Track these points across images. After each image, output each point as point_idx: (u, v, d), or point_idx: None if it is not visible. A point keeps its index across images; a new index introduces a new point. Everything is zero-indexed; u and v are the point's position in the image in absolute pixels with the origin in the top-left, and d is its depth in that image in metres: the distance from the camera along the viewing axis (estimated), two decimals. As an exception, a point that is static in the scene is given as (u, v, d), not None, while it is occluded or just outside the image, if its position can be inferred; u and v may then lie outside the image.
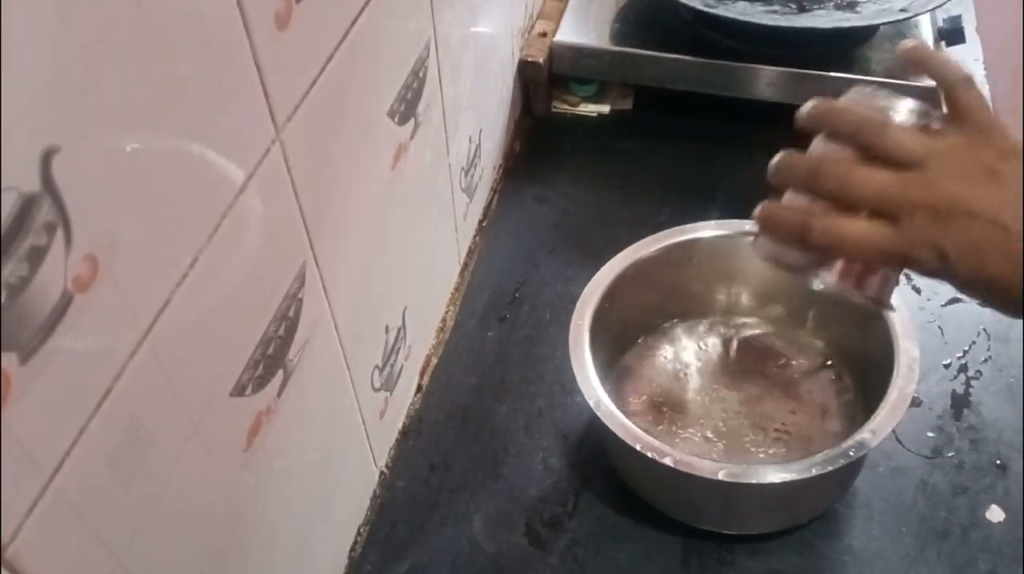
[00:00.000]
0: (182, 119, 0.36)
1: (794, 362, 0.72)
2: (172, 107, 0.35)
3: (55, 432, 0.32)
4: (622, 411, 0.61)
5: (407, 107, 0.62)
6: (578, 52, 0.95)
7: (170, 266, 0.37)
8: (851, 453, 0.57)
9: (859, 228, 0.45)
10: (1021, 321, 0.77)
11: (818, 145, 0.48)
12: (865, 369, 0.69)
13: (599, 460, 0.69)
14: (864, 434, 0.58)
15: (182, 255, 0.38)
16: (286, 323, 0.48)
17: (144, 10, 0.33)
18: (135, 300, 0.35)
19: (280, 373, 0.49)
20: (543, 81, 0.96)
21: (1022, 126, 1.73)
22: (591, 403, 0.60)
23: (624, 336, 0.73)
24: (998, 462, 0.68)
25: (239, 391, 0.45)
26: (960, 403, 0.72)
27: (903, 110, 0.47)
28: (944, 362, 0.75)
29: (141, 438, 0.37)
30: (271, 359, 0.47)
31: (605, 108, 1.00)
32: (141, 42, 0.33)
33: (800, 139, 0.52)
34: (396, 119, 0.60)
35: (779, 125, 0.95)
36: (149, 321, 0.36)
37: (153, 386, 0.37)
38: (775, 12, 0.90)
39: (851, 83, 0.87)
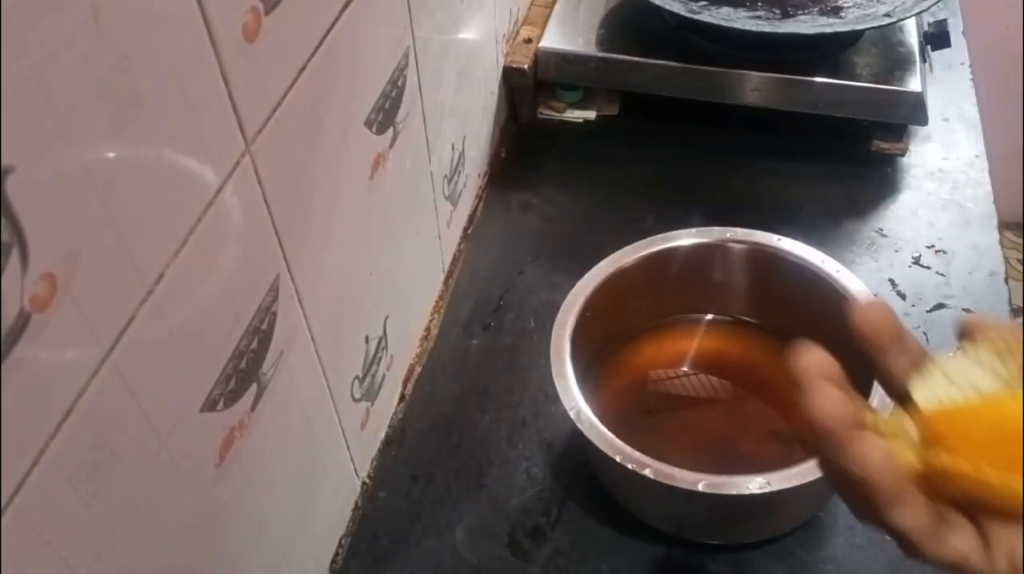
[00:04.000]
0: (144, 135, 0.36)
1: (777, 368, 0.72)
2: (133, 123, 0.35)
3: (14, 453, 0.32)
4: (606, 419, 0.61)
5: (385, 116, 0.61)
6: (563, 58, 0.95)
7: (134, 283, 0.37)
8: (833, 462, 0.57)
9: None
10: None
11: None
12: (849, 375, 0.68)
13: (582, 470, 0.69)
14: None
15: (147, 271, 0.38)
16: (259, 336, 0.48)
17: (102, 25, 0.32)
18: (97, 318, 0.35)
19: (254, 387, 0.49)
20: (528, 87, 0.96)
21: (1022, 126, 1.72)
22: (571, 414, 0.60)
23: (607, 344, 0.73)
24: (983, 469, 0.68)
25: (210, 406, 0.44)
26: (945, 410, 0.72)
27: None
28: (929, 368, 0.75)
29: (106, 457, 0.37)
30: (244, 373, 0.47)
31: (591, 114, 1.00)
32: (99, 58, 0.33)
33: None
34: (374, 128, 0.60)
35: (764, 130, 0.96)
36: (112, 339, 0.36)
37: (118, 404, 0.37)
38: (759, 18, 0.90)
39: (836, 88, 0.88)
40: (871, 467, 0.33)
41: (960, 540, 0.33)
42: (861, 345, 0.38)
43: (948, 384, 0.34)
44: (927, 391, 0.34)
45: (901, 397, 0.36)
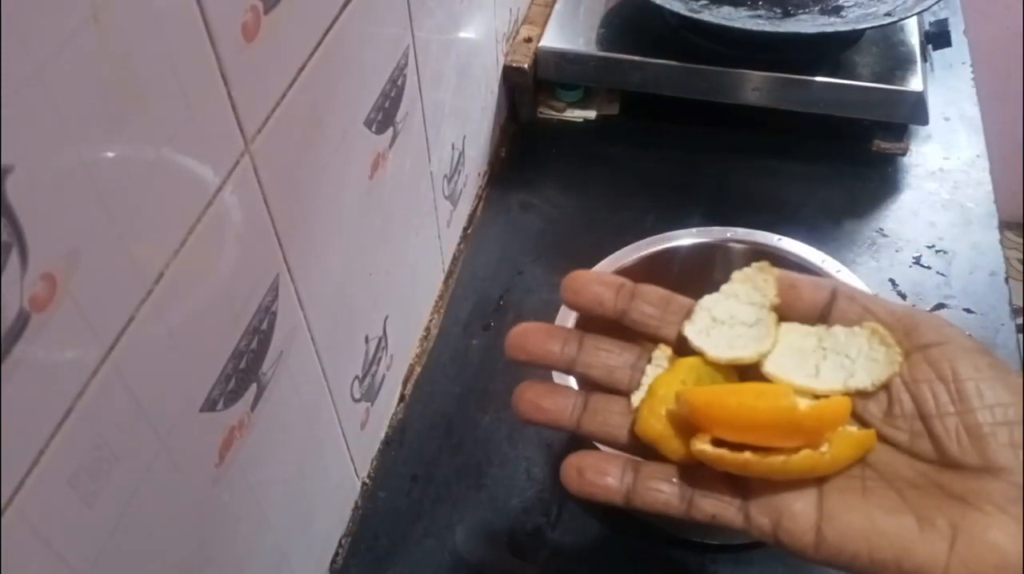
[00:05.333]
0: (144, 134, 0.36)
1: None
2: (133, 122, 0.35)
3: (14, 453, 0.32)
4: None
5: (385, 116, 0.61)
6: (563, 57, 0.95)
7: (134, 282, 0.37)
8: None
9: None
10: (1007, 327, 0.77)
11: None
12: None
13: (582, 469, 0.69)
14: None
15: (147, 271, 0.38)
16: (259, 336, 0.48)
17: (102, 25, 0.32)
18: (97, 318, 0.35)
19: (254, 387, 0.48)
20: (528, 87, 0.96)
21: (1022, 126, 1.73)
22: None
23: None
24: (983, 469, 0.68)
25: (210, 406, 0.44)
26: (945, 410, 0.72)
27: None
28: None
29: (106, 457, 0.37)
30: (243, 373, 0.47)
31: (591, 114, 1.00)
32: (99, 58, 0.32)
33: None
34: (373, 128, 0.60)
35: (765, 130, 0.96)
36: (112, 338, 0.36)
37: (118, 404, 0.37)
38: (759, 17, 0.90)
39: (836, 88, 0.88)
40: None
41: (710, 504, 0.35)
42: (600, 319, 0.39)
43: (712, 322, 0.38)
44: (697, 332, 0.38)
45: (675, 344, 0.39)
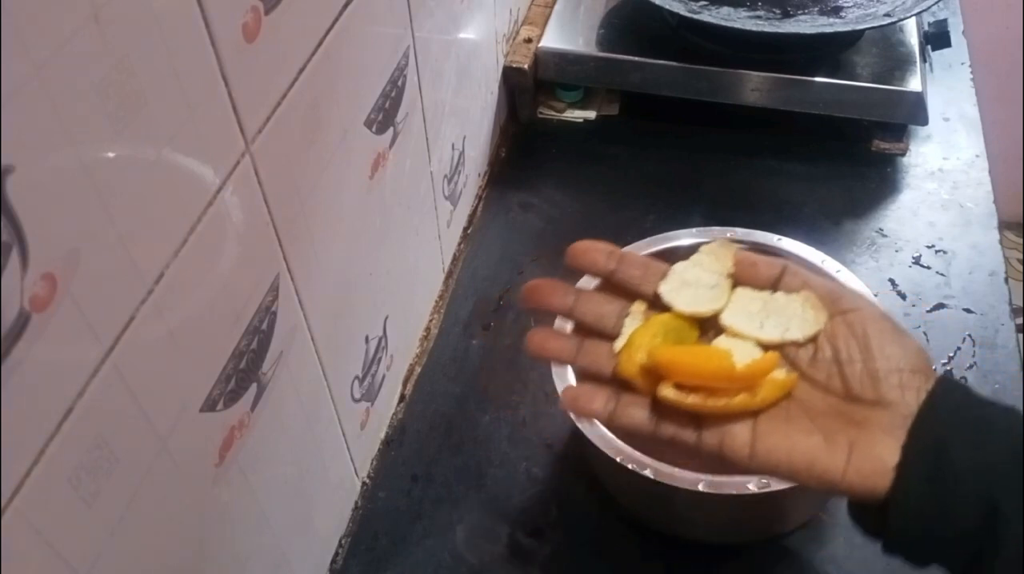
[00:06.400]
0: (144, 134, 0.36)
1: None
2: (133, 122, 0.35)
3: (14, 453, 0.32)
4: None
5: (385, 116, 0.61)
6: (563, 58, 0.95)
7: (134, 282, 0.37)
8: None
9: None
10: (1007, 327, 0.77)
11: None
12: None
13: (582, 470, 0.69)
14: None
15: (147, 271, 0.38)
16: (259, 336, 0.48)
17: (102, 25, 0.32)
18: (97, 318, 0.35)
19: (253, 387, 0.49)
20: (528, 87, 0.96)
21: (1022, 126, 1.73)
22: (571, 414, 0.60)
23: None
24: (983, 469, 0.68)
25: (210, 406, 0.44)
26: (945, 410, 0.72)
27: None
28: (929, 368, 0.75)
29: (106, 456, 0.37)
30: (243, 373, 0.47)
31: (591, 114, 1.00)
32: (99, 58, 0.33)
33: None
34: (374, 128, 0.60)
35: (764, 130, 0.96)
36: (112, 338, 0.36)
37: (118, 404, 0.37)
38: (759, 17, 0.90)
39: (836, 88, 0.88)
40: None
41: (671, 427, 0.45)
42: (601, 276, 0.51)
43: (682, 283, 0.48)
44: (669, 290, 0.48)
45: (652, 301, 0.48)
